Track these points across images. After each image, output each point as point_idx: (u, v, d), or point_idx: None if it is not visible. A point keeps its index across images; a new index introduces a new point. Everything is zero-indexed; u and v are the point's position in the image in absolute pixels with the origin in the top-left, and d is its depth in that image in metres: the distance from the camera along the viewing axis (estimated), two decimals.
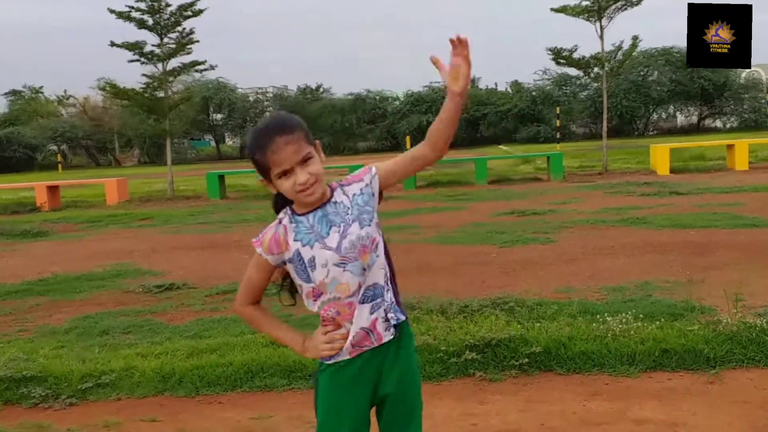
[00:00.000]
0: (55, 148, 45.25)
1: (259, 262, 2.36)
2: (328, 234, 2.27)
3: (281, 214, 2.34)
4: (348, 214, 2.29)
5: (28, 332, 6.33)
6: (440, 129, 2.33)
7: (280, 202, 2.35)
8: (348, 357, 2.33)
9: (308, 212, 2.30)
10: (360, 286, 2.30)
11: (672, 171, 18.24)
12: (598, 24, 19.41)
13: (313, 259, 2.27)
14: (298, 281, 2.34)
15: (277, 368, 4.81)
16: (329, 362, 2.35)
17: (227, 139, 52.61)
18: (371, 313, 2.32)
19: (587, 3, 19.24)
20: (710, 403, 4.03)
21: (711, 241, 8.64)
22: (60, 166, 39.04)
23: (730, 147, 19.20)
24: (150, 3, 18.98)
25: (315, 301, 2.33)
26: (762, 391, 4.14)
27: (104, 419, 4.30)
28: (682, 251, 8.13)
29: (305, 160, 2.24)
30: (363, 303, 2.31)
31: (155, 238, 12.04)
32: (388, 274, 2.38)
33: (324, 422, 2.39)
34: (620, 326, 4.94)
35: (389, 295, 2.36)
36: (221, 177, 19.31)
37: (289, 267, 2.33)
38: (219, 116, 49.25)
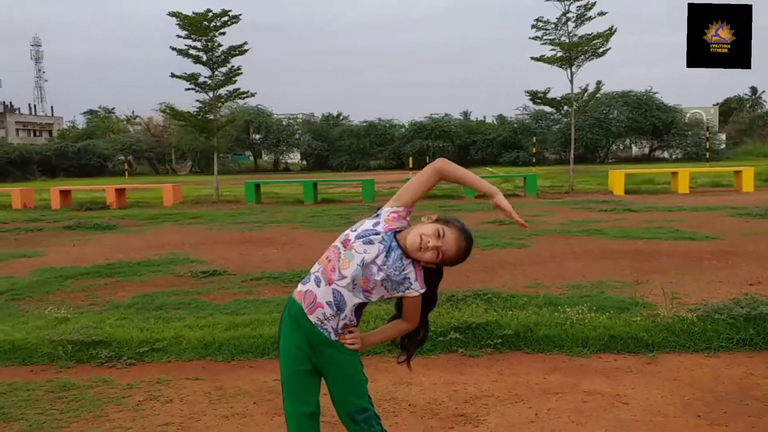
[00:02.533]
0: (122, 158, 45.30)
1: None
2: (383, 253, 2.29)
3: (402, 224, 2.36)
4: (391, 269, 2.29)
5: (97, 306, 6.35)
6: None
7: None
8: (294, 296, 2.38)
9: (399, 246, 2.31)
10: (344, 280, 2.29)
11: (626, 192, 18.18)
12: (569, 70, 19.43)
13: (367, 239, 2.30)
14: (355, 226, 2.37)
15: None
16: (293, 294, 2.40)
17: (263, 155, 52.53)
18: (325, 301, 2.31)
19: (560, 54, 19.27)
20: (647, 380, 4.04)
21: (656, 250, 8.63)
22: (126, 173, 39.15)
23: (674, 174, 19.14)
24: (205, 43, 19.10)
25: (339, 241, 2.35)
26: (690, 371, 4.16)
27: (157, 377, 4.33)
28: (632, 258, 8.11)
29: (439, 254, 2.29)
30: (330, 291, 2.30)
31: (202, 234, 12.07)
32: (353, 320, 2.36)
33: (282, 359, 2.43)
34: (577, 316, 4.96)
35: (343, 323, 2.34)
36: (257, 186, 19.32)
37: (376, 219, 2.36)
38: (257, 136, 49.18)
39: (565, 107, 20.97)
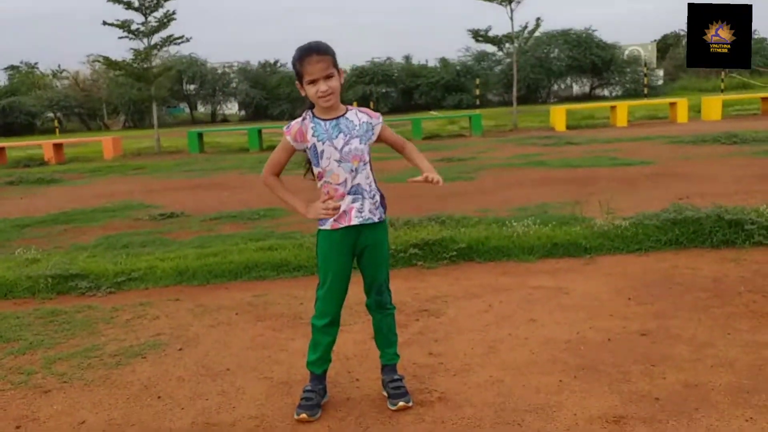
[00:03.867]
0: (51, 115, 43.89)
1: (284, 146, 2.83)
2: (337, 137, 2.75)
3: (304, 115, 2.80)
4: (354, 129, 2.77)
5: (63, 248, 6.60)
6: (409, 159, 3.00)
7: (309, 105, 2.82)
8: (329, 228, 2.82)
9: (327, 119, 2.77)
10: (347, 181, 2.78)
11: (567, 128, 18.89)
12: (509, 8, 19.89)
13: (323, 152, 2.76)
14: (312, 164, 2.82)
15: (267, 264, 5.27)
16: (321, 227, 2.85)
17: (199, 107, 51.59)
18: (351, 203, 2.80)
19: None
20: (586, 276, 4.66)
21: (594, 176, 9.32)
22: (57, 130, 38.04)
23: (613, 108, 19.99)
24: None
25: (319, 180, 2.83)
26: (622, 267, 4.79)
27: (139, 300, 4.71)
28: (572, 183, 8.77)
29: (328, 77, 2.70)
30: (348, 194, 2.79)
31: (150, 183, 12.24)
32: (373, 186, 2.84)
33: (320, 266, 2.91)
34: (523, 229, 5.54)
35: (372, 197, 2.82)
36: (200, 135, 19.33)
37: (308, 152, 2.82)
38: (192, 87, 48.15)
39: (507, 45, 21.48)
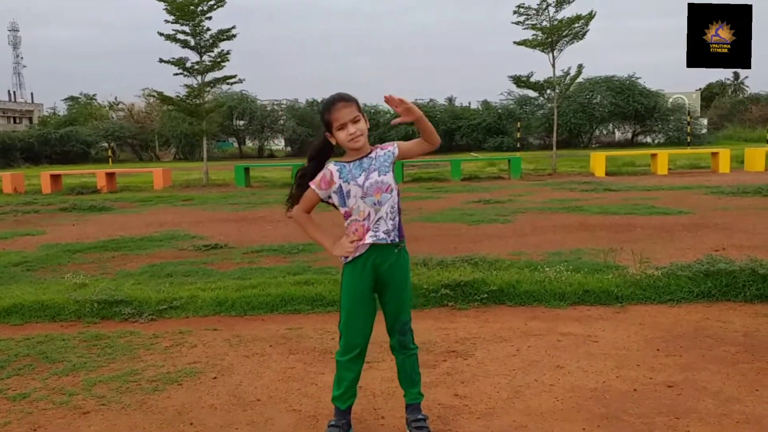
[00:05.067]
0: (106, 144, 45.32)
1: (312, 193, 2.93)
2: (360, 175, 2.86)
3: (329, 163, 2.91)
4: (373, 164, 2.87)
5: (110, 275, 6.83)
6: (425, 135, 2.92)
7: (321, 151, 2.93)
8: (351, 260, 2.91)
9: (350, 161, 2.88)
10: (370, 215, 2.86)
11: (607, 174, 18.74)
12: (551, 54, 20.00)
13: (348, 192, 2.86)
14: (339, 205, 2.90)
15: (303, 298, 5.37)
16: (346, 262, 2.93)
17: (247, 142, 52.73)
18: (374, 234, 2.87)
19: (542, 37, 19.82)
20: (616, 324, 4.62)
21: (631, 223, 9.24)
22: (110, 159, 39.19)
23: (654, 156, 19.78)
24: (192, 27, 19.43)
25: (346, 219, 2.92)
26: (653, 317, 4.74)
27: (179, 329, 4.83)
28: (608, 230, 8.70)
29: (355, 120, 2.82)
30: (371, 229, 2.86)
31: (197, 214, 12.52)
32: (395, 212, 2.90)
33: (342, 300, 2.98)
34: (555, 274, 5.52)
35: (393, 219, 2.88)
36: (246, 169, 19.73)
37: (333, 196, 2.90)
38: (241, 122, 49.35)
39: (548, 90, 21.54)
